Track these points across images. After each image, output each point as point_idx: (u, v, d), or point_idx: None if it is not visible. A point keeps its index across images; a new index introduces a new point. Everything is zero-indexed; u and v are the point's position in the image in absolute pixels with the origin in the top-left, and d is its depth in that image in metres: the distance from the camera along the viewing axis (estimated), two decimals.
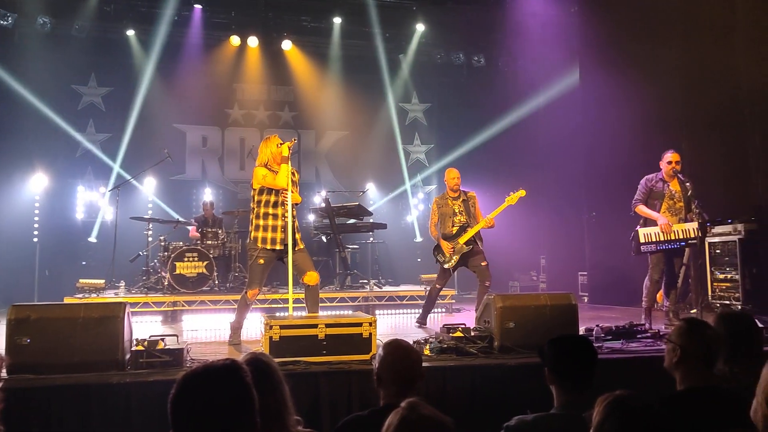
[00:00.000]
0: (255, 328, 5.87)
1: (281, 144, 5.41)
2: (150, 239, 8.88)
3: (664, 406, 2.34)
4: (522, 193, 6.52)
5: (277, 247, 5.31)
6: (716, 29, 7.70)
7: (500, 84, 11.73)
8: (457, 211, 6.63)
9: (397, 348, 2.51)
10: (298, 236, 5.41)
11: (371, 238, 10.11)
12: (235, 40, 11.08)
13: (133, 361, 4.01)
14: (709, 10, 7.77)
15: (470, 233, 6.50)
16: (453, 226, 6.59)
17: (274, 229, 5.32)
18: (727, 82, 7.61)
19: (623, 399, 1.64)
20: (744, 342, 2.73)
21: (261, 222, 5.34)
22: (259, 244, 5.31)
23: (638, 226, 6.08)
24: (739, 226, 7.24)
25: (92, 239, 10.36)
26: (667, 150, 6.04)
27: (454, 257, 6.53)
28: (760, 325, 4.72)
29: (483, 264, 6.48)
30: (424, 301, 7.06)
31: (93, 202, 10.67)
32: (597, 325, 5.15)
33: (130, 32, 10.74)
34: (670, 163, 5.94)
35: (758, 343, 2.80)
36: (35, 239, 10.06)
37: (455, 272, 7.00)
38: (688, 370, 2.48)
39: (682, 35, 8.30)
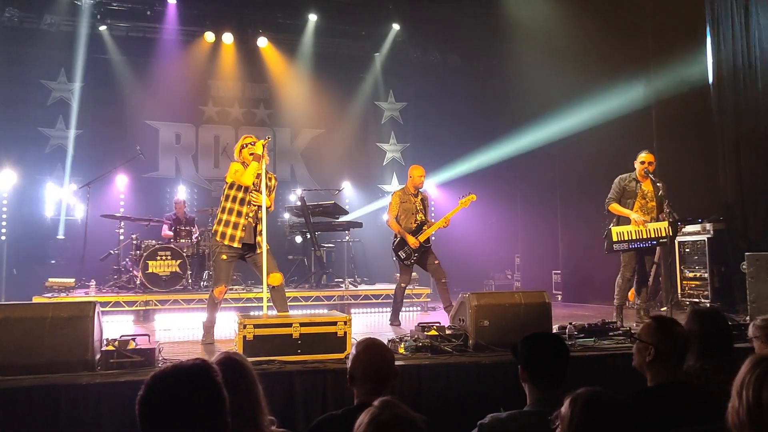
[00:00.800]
0: (229, 328, 5.80)
1: (255, 142, 5.37)
2: (122, 237, 8.73)
3: (635, 403, 2.37)
4: (473, 197, 6.62)
5: (235, 245, 5.26)
6: (686, 35, 7.87)
7: (476, 83, 11.79)
8: (418, 208, 6.65)
9: (369, 347, 2.50)
10: (259, 239, 5.36)
11: (347, 237, 10.09)
12: (209, 37, 10.95)
13: (103, 362, 3.93)
14: (679, 16, 7.93)
15: (429, 232, 6.57)
16: (414, 222, 6.61)
17: (236, 226, 5.27)
18: (696, 87, 7.77)
19: (591, 395, 1.65)
20: (715, 339, 2.78)
21: (224, 217, 5.31)
22: (218, 238, 5.28)
23: (611, 225, 6.17)
24: (708, 226, 7.40)
25: (60, 236, 10.13)
26: (640, 150, 6.14)
27: (415, 254, 6.55)
28: (729, 322, 4.83)
29: (436, 263, 6.56)
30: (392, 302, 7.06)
31: (62, 199, 10.45)
32: (570, 323, 5.20)
33: (102, 27, 10.53)
34: (643, 163, 6.04)
35: (729, 339, 2.85)
36: (2, 237, 9.84)
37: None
38: (660, 368, 2.51)
39: (653, 38, 8.47)
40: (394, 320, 6.76)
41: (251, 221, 5.31)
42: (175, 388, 1.38)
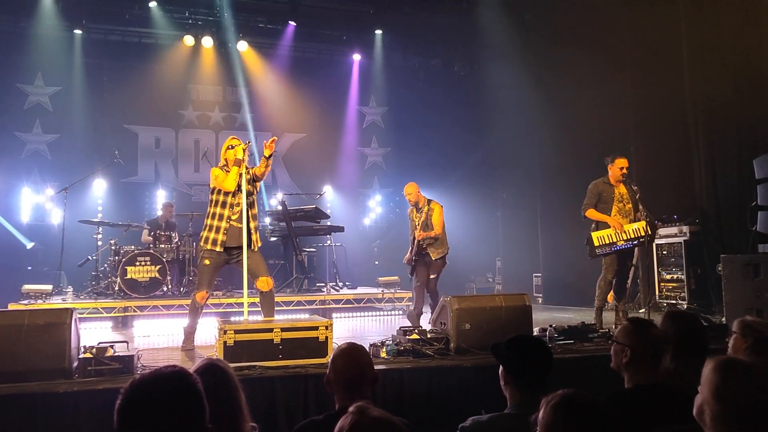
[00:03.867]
0: (210, 333, 5.76)
1: (235, 146, 5.35)
2: (100, 243, 8.62)
3: (612, 404, 2.40)
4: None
5: (217, 249, 5.23)
6: (664, 45, 8.01)
7: (456, 88, 11.87)
8: (417, 223, 6.79)
9: (344, 352, 2.50)
10: (254, 238, 5.34)
11: (329, 241, 10.07)
12: (188, 40, 10.88)
13: (81, 369, 3.88)
14: (656, 28, 8.07)
15: (415, 247, 6.74)
16: (410, 235, 6.93)
17: (217, 230, 5.25)
18: (673, 94, 7.91)
19: (568, 398, 1.67)
20: (690, 340, 2.83)
21: (208, 221, 5.31)
22: (202, 243, 5.28)
23: (591, 230, 6.23)
24: (685, 228, 7.53)
25: (29, 244, 9.84)
26: (617, 155, 6.22)
27: (411, 265, 6.89)
28: (704, 323, 4.91)
29: (431, 277, 6.77)
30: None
31: (39, 204, 10.28)
32: (550, 326, 5.25)
33: (78, 31, 10.41)
34: (621, 168, 6.12)
35: (704, 341, 2.90)
36: None
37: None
38: (637, 369, 2.54)
39: (631, 48, 8.61)
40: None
41: (234, 223, 5.28)
42: (154, 396, 1.37)
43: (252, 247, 5.29)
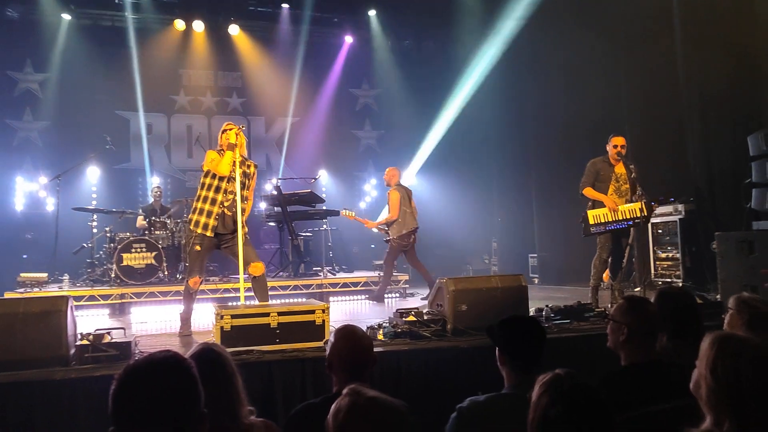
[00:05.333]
0: (207, 319, 5.76)
1: (228, 131, 5.32)
2: (95, 230, 8.58)
3: (609, 382, 2.41)
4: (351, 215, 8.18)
5: (208, 234, 5.20)
6: (657, 23, 7.96)
7: (449, 70, 11.78)
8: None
9: (347, 334, 2.50)
10: (245, 229, 5.31)
11: (324, 225, 10.06)
12: (179, 24, 10.76)
13: (78, 357, 3.87)
14: (650, 5, 8.01)
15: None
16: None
17: (209, 214, 5.21)
18: (667, 73, 7.87)
19: (561, 378, 1.67)
20: (684, 317, 2.83)
21: (199, 205, 5.26)
22: (192, 227, 5.22)
23: (587, 209, 6.23)
24: (680, 207, 7.54)
25: (28, 235, 9.85)
26: (614, 134, 6.21)
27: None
28: (699, 301, 4.93)
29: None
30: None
31: (33, 192, 10.22)
32: (547, 305, 5.27)
33: (66, 16, 10.27)
34: (615, 147, 6.10)
35: (698, 317, 2.90)
36: None
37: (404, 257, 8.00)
38: (634, 347, 2.55)
39: (624, 26, 8.55)
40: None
41: (226, 210, 5.25)
42: (148, 381, 1.36)
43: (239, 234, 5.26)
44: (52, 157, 10.13)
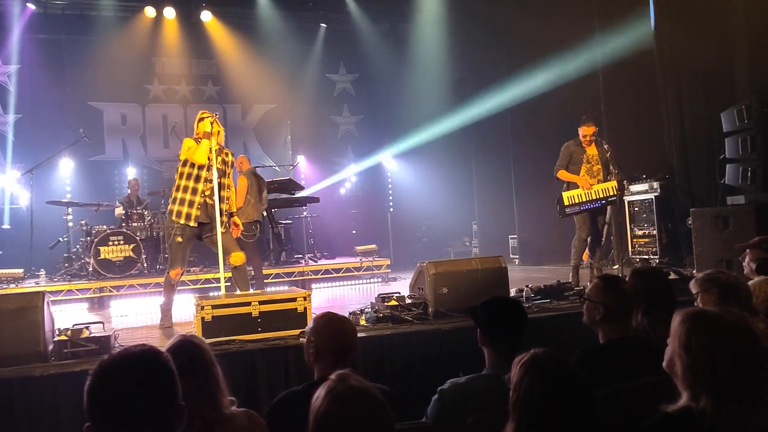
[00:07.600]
0: (187, 310, 5.73)
1: (204, 118, 5.25)
2: (70, 224, 8.46)
3: (586, 359, 2.45)
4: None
5: (191, 224, 5.13)
6: (633, 4, 7.98)
7: (427, 52, 11.72)
8: None
9: (329, 321, 2.49)
10: (224, 219, 5.26)
11: (305, 213, 10.02)
12: (149, 12, 10.54)
13: (57, 352, 3.83)
14: None
15: None
16: None
17: (191, 204, 5.13)
18: (641, 49, 7.91)
19: (538, 357, 1.69)
20: (658, 294, 2.88)
21: (179, 195, 5.16)
22: (173, 218, 5.13)
23: (562, 191, 6.30)
24: (655, 184, 7.63)
25: (5, 226, 9.72)
26: (583, 122, 6.25)
27: None
28: (674, 276, 5.02)
29: None
30: None
31: (4, 187, 10.02)
32: (527, 286, 5.33)
33: (32, 6, 10.01)
34: (585, 137, 6.20)
35: (671, 294, 2.96)
36: None
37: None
38: (610, 325, 2.60)
39: (598, 5, 8.55)
40: None
41: (208, 199, 5.18)
42: (123, 375, 1.35)
43: (221, 228, 5.20)
44: (25, 151, 9.92)
